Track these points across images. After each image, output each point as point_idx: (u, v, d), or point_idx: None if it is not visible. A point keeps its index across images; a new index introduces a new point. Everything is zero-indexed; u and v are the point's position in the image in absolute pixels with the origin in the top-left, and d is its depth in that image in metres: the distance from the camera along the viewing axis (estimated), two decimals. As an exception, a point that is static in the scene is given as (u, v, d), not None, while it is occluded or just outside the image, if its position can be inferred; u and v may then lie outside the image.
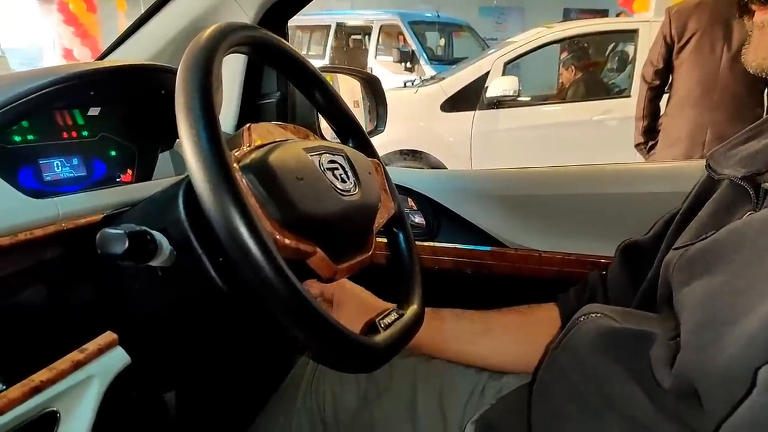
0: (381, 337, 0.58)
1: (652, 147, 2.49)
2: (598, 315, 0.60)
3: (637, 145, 2.56)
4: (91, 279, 0.63)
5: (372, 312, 0.83)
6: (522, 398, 0.70)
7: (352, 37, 7.97)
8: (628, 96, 3.75)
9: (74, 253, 0.63)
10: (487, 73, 3.97)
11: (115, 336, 0.61)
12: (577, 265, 0.94)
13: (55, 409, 0.54)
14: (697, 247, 0.55)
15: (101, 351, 0.59)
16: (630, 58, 4.12)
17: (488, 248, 1.00)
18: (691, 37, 2.25)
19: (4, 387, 0.51)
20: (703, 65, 2.24)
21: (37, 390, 0.52)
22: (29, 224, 0.58)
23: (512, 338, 0.83)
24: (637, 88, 2.76)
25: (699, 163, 0.71)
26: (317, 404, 0.87)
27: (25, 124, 0.67)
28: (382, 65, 7.10)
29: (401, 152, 4.01)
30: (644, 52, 3.43)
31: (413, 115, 4.08)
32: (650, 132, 2.49)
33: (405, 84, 4.85)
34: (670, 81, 2.43)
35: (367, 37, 7.64)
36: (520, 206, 1.00)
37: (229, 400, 1.03)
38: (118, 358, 0.61)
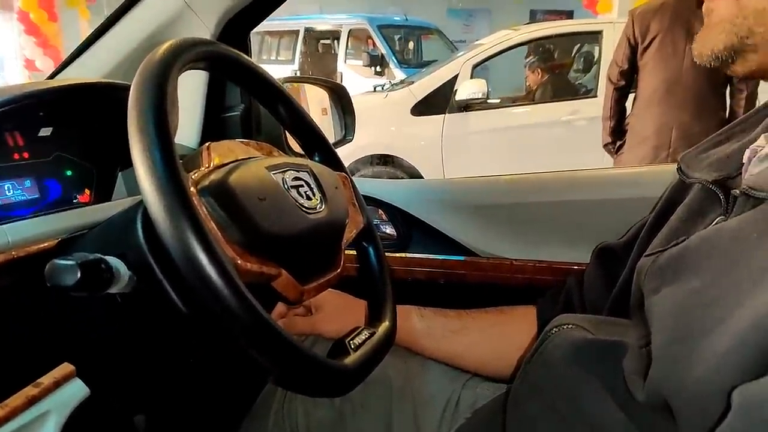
0: (351, 359, 0.57)
1: (620, 147, 2.52)
2: (571, 326, 0.60)
3: (605, 145, 2.60)
4: (45, 309, 0.60)
5: (352, 311, 0.83)
6: (496, 410, 0.70)
7: (321, 41, 7.95)
8: (595, 96, 3.81)
9: (25, 282, 0.60)
10: (456, 76, 3.99)
11: (72, 367, 0.58)
12: (548, 272, 0.94)
13: (9, 448, 0.51)
14: (667, 254, 0.54)
15: (57, 384, 0.56)
16: (595, 58, 4.19)
17: (460, 258, 0.99)
18: (654, 38, 2.30)
19: (-48, 429, 0.48)
20: (667, 65, 2.29)
21: (-13, 430, 0.50)
22: (-24, 254, 0.55)
23: (488, 337, 0.84)
24: (604, 88, 2.80)
25: (670, 168, 0.72)
26: (290, 424, 0.85)
27: (-29, 146, 0.64)
28: (351, 69, 7.10)
29: (372, 157, 4.01)
30: (609, 53, 3.49)
31: (384, 119, 4.08)
32: (617, 132, 2.53)
33: (375, 88, 4.84)
34: (635, 81, 2.47)
35: (336, 41, 7.63)
36: (491, 215, 0.99)
37: (200, 423, 1.00)
38: (76, 390, 0.58)
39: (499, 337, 0.83)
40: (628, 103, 2.54)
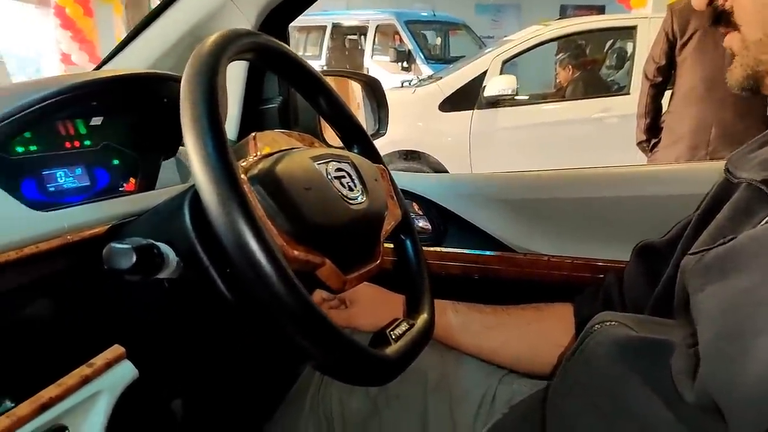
0: (392, 349, 0.57)
1: (655, 145, 2.48)
2: (613, 323, 0.59)
3: (639, 143, 2.55)
4: (97, 292, 0.62)
5: (387, 305, 0.84)
6: (534, 407, 0.70)
7: (348, 37, 7.96)
8: (628, 93, 3.74)
9: (79, 266, 0.62)
10: (485, 72, 3.96)
11: (122, 349, 0.60)
12: (586, 269, 0.93)
13: (64, 424, 0.53)
14: (714, 252, 0.54)
15: (109, 365, 0.58)
16: (629, 54, 4.11)
17: (496, 253, 0.99)
18: (693, 34, 2.24)
19: (13, 405, 0.50)
20: (707, 62, 2.23)
21: (45, 407, 0.51)
22: (35, 238, 0.57)
23: (524, 333, 0.84)
24: (637, 85, 2.75)
25: (711, 165, 0.71)
26: (325, 412, 0.86)
27: (27, 135, 0.66)
28: (378, 65, 7.09)
29: (400, 153, 4.00)
30: (643, 49, 3.43)
31: (411, 115, 4.07)
32: (652, 130, 2.48)
33: (402, 84, 4.83)
34: (672, 78, 2.42)
35: (363, 37, 7.63)
36: (528, 210, 0.99)
37: (236, 409, 1.02)
38: (126, 372, 0.60)
39: (536, 334, 0.83)
40: (665, 101, 2.49)
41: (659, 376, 0.51)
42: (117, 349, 0.60)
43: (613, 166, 0.99)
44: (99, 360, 0.57)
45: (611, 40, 4.62)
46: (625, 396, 0.53)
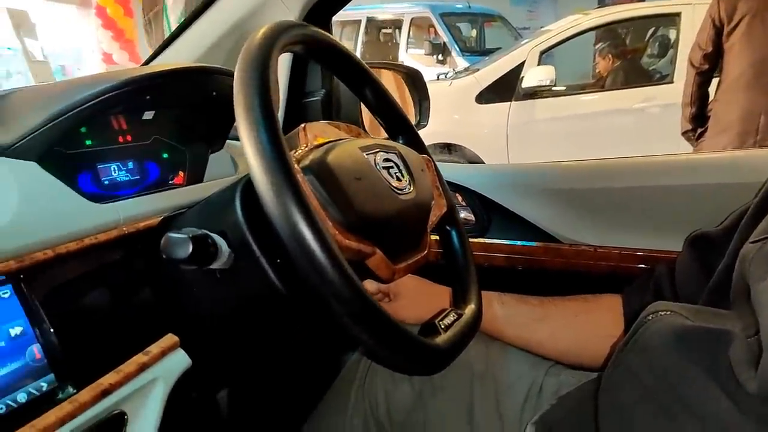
0: (442, 338, 0.57)
1: (701, 134, 2.40)
2: (668, 313, 0.58)
3: (684, 133, 2.48)
4: (152, 282, 0.64)
5: (430, 297, 0.84)
6: (584, 398, 0.68)
7: (383, 31, 7.94)
8: (671, 82, 3.63)
9: (134, 257, 0.64)
10: (523, 63, 3.90)
11: (176, 338, 0.61)
12: (634, 260, 0.91)
13: (123, 410, 0.55)
14: None
15: (164, 353, 0.60)
16: (672, 42, 3.99)
17: (540, 244, 0.98)
18: (741, 20, 2.16)
19: (75, 391, 0.51)
20: (756, 48, 2.15)
21: (106, 393, 0.53)
22: (93, 229, 0.59)
23: (571, 325, 0.83)
24: (681, 73, 2.67)
25: (764, 152, 0.68)
26: (370, 403, 0.86)
27: (83, 129, 0.68)
28: (413, 58, 7.06)
29: (436, 146, 3.98)
30: (687, 36, 3.33)
31: (448, 107, 4.05)
32: (699, 118, 2.40)
33: (438, 76, 4.80)
34: (719, 65, 2.34)
35: (397, 30, 7.61)
36: (573, 200, 0.97)
37: (281, 399, 1.03)
38: (180, 360, 0.62)
39: (583, 326, 0.81)
40: (711, 89, 2.41)
41: (718, 366, 0.50)
42: (171, 338, 0.61)
43: (660, 155, 0.96)
44: (155, 348, 0.59)
45: (653, 28, 4.49)
46: (683, 386, 0.52)
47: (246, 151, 0.48)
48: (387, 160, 0.63)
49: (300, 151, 0.57)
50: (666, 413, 0.53)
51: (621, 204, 0.95)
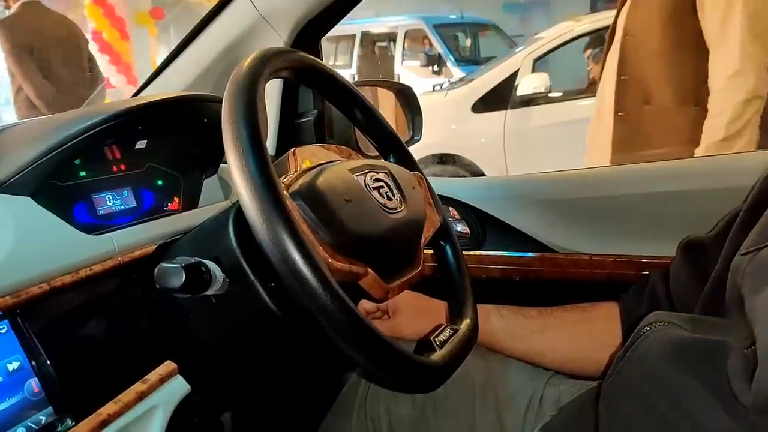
0: (438, 355, 0.58)
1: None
2: (666, 324, 0.58)
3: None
4: (148, 310, 0.64)
5: (429, 312, 0.84)
6: (585, 408, 0.69)
7: (378, 44, 8.00)
8: None
9: (130, 285, 0.64)
10: (517, 72, 3.92)
11: (174, 365, 0.62)
12: (629, 267, 0.92)
13: (123, 440, 0.55)
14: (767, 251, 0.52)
15: (162, 381, 0.60)
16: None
17: (536, 254, 0.98)
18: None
19: (74, 423, 0.52)
20: None
21: (105, 423, 0.53)
22: (88, 260, 0.59)
23: (570, 335, 0.83)
24: None
25: (755, 156, 0.68)
26: (372, 420, 0.86)
27: (77, 161, 0.69)
28: (409, 70, 7.10)
29: (434, 157, 3.99)
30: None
31: (444, 118, 4.06)
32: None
33: (434, 88, 4.83)
34: None
35: (392, 43, 7.66)
36: (567, 209, 0.97)
37: (283, 420, 1.03)
38: (179, 387, 0.62)
39: (583, 335, 0.82)
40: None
41: (716, 378, 0.50)
42: (169, 365, 0.62)
43: (651, 162, 0.97)
44: (153, 376, 0.59)
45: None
46: (681, 397, 0.52)
47: (235, 179, 0.49)
48: (377, 180, 0.64)
49: (289, 176, 0.58)
50: (669, 424, 0.53)
51: (615, 211, 0.95)
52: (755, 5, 1.36)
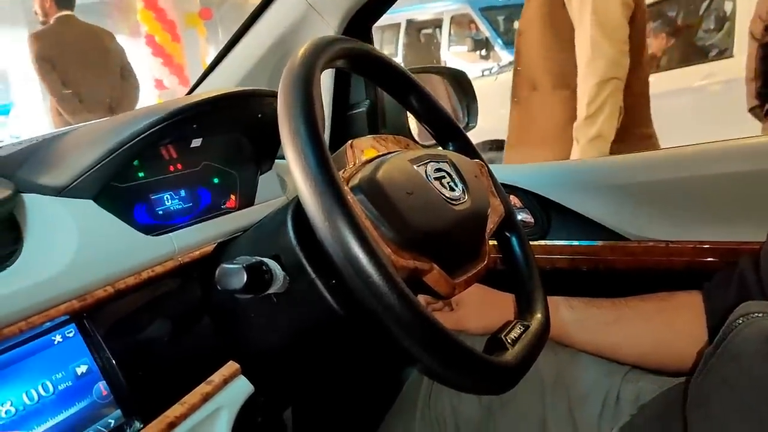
0: (511, 354, 0.54)
1: (771, 109, 2.26)
2: (761, 315, 0.53)
3: (751, 109, 2.34)
4: (209, 310, 0.64)
5: (494, 306, 0.81)
6: (669, 407, 0.64)
7: (423, 31, 7.91)
8: (731, 56, 3.44)
9: (191, 286, 0.64)
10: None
11: (237, 366, 0.61)
12: (712, 254, 0.85)
13: (190, 442, 0.54)
14: None
15: (226, 381, 0.60)
16: (728, 14, 3.78)
17: (606, 242, 0.93)
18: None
19: (142, 426, 0.52)
20: None
21: (172, 426, 0.53)
22: (149, 262, 0.59)
23: (648, 327, 0.78)
24: (742, 46, 2.52)
25: None
26: (437, 417, 0.84)
27: (135, 163, 0.69)
28: (456, 56, 6.99)
29: (485, 143, 3.91)
30: (744, 7, 3.14)
31: (495, 103, 3.96)
32: (766, 93, 2.26)
33: (483, 72, 4.73)
34: None
35: (438, 29, 7.55)
36: (640, 194, 0.91)
37: (346, 417, 1.02)
38: (243, 388, 0.61)
39: (662, 326, 0.76)
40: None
41: None
42: (232, 366, 0.61)
43: (730, 139, 0.89)
44: (217, 377, 0.59)
45: (707, 1, 4.26)
46: None
47: (294, 175, 0.46)
48: (438, 170, 0.60)
49: (348, 169, 0.56)
50: (766, 427, 0.48)
51: (693, 194, 0.88)
52: (603, 5, 1.57)
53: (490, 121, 3.89)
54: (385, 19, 7.51)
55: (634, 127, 1.72)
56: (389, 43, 7.84)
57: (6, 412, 0.45)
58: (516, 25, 7.52)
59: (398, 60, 7.43)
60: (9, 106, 7.42)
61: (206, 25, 7.71)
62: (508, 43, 6.79)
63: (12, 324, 0.47)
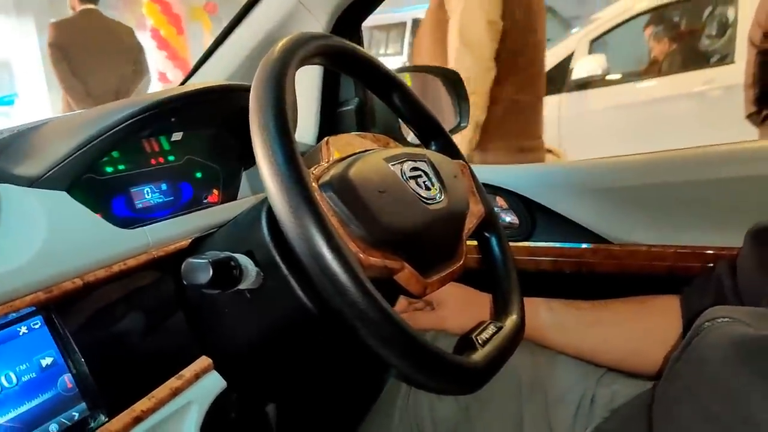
0: (480, 355, 0.54)
1: (766, 117, 2.25)
2: (727, 320, 0.52)
3: (748, 116, 2.33)
4: (182, 305, 0.63)
5: (475, 306, 0.81)
6: (639, 411, 0.64)
7: (429, 31, 7.90)
8: (732, 62, 3.43)
9: (164, 280, 0.63)
10: (572, 54, 3.78)
11: (210, 361, 0.61)
12: (692, 258, 0.85)
13: (157, 437, 0.54)
14: None
15: (197, 377, 0.59)
16: (731, 21, 3.77)
17: (590, 245, 0.92)
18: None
19: (107, 419, 0.52)
20: None
21: (138, 420, 0.53)
22: (121, 254, 0.59)
23: (626, 330, 0.78)
24: (743, 53, 2.51)
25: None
26: (415, 418, 0.84)
27: (115, 154, 0.69)
28: (460, 56, 6.98)
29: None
30: (747, 13, 3.13)
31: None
32: (763, 100, 2.25)
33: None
34: None
35: (443, 29, 7.55)
36: (623, 198, 0.91)
37: (327, 415, 1.02)
38: (215, 383, 0.61)
39: (640, 330, 0.76)
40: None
41: None
42: (204, 361, 0.61)
43: (717, 144, 0.89)
44: (188, 372, 0.59)
45: (710, 7, 4.25)
46: (748, 404, 0.47)
47: (261, 170, 0.46)
48: (414, 169, 0.60)
49: (320, 167, 0.56)
50: None
51: (677, 199, 0.88)
52: (468, 22, 1.62)
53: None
54: (391, 18, 7.50)
55: (512, 140, 1.78)
56: (395, 42, 7.82)
57: (-32, 402, 0.45)
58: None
59: (404, 58, 7.43)
60: (13, 97, 7.44)
61: (211, 20, 7.71)
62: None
63: (-24, 314, 0.47)
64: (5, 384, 0.47)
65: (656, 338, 0.74)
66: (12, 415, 0.47)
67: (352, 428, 0.89)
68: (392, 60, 7.28)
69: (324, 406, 1.02)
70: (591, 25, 3.96)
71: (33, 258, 0.51)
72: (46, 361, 0.50)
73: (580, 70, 3.73)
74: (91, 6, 3.65)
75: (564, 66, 3.78)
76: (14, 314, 0.49)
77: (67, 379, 0.51)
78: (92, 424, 0.51)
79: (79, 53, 3.59)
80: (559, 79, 3.77)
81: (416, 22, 7.59)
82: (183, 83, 1.06)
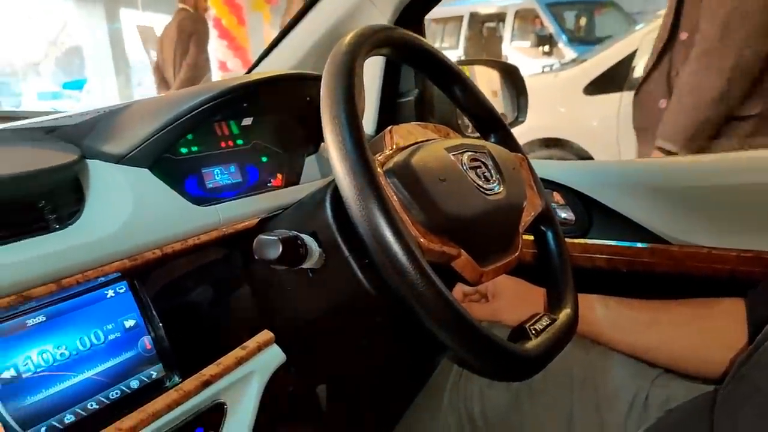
0: (532, 344, 0.55)
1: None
2: None
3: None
4: (248, 280, 0.67)
5: (530, 300, 0.82)
6: (696, 413, 0.63)
7: (486, 25, 7.81)
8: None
9: (233, 256, 0.67)
10: (635, 52, 3.67)
11: (271, 335, 0.64)
12: (756, 263, 0.83)
13: (223, 400, 0.58)
14: None
15: (260, 348, 0.63)
16: None
17: (647, 245, 0.91)
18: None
19: (181, 380, 0.56)
20: None
21: (207, 383, 0.57)
22: (196, 230, 0.63)
23: (686, 331, 0.77)
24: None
25: None
26: (464, 403, 0.86)
27: (189, 137, 0.73)
28: (517, 51, 6.88)
29: (541, 141, 3.85)
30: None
31: (553, 100, 3.89)
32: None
33: (543, 69, 4.64)
34: None
35: (501, 23, 7.45)
36: (684, 198, 0.89)
37: (377, 396, 1.05)
38: (275, 356, 0.65)
39: (700, 332, 0.75)
40: None
41: None
42: (267, 334, 0.64)
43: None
44: (251, 343, 0.62)
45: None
46: None
47: (331, 155, 0.49)
48: (474, 159, 0.62)
49: (384, 154, 0.58)
50: None
51: (739, 202, 0.86)
52: None
53: (547, 118, 3.85)
54: (449, 12, 7.46)
55: None
56: (451, 36, 7.78)
57: (60, 355, 0.50)
58: (581, 21, 7.35)
59: (459, 52, 7.38)
60: (83, 82, 7.79)
61: (271, 10, 7.85)
62: (573, 40, 6.64)
63: (70, 276, 0.52)
64: (94, 341, 0.52)
65: (718, 341, 0.73)
66: (100, 368, 0.51)
67: (400, 410, 0.92)
68: (448, 54, 7.22)
69: (375, 385, 1.05)
70: (656, 22, 3.83)
71: (120, 228, 0.55)
72: (129, 323, 0.55)
73: (642, 67, 3.62)
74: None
75: (626, 63, 3.67)
76: (103, 278, 0.54)
77: (146, 341, 0.56)
78: (167, 384, 0.55)
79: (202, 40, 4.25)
80: (621, 77, 3.67)
81: (474, 16, 7.53)
82: (249, 72, 1.10)
